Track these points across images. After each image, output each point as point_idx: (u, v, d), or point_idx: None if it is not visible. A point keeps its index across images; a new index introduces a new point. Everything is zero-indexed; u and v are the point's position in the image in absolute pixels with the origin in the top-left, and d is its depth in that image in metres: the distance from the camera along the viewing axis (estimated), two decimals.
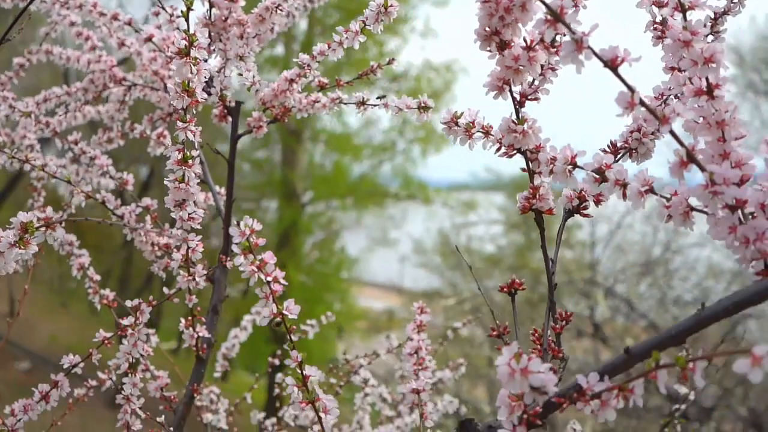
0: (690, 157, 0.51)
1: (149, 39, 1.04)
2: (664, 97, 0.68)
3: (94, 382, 1.12)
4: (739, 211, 0.52)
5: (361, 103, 0.95)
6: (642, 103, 0.50)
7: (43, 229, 0.66)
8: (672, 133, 0.51)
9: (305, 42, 9.08)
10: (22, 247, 0.67)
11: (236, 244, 0.61)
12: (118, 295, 1.03)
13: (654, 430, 6.01)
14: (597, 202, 0.67)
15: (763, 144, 0.52)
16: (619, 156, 0.68)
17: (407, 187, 11.74)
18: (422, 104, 0.83)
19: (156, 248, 1.01)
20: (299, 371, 0.64)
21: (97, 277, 1.09)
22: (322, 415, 0.64)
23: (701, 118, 0.53)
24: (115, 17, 1.09)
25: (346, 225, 12.29)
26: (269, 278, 0.62)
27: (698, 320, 0.49)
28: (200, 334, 0.96)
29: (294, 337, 0.64)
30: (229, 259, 0.95)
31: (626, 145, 0.68)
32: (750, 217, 0.51)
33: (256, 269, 0.61)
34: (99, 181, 1.20)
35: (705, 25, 0.69)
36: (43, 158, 1.21)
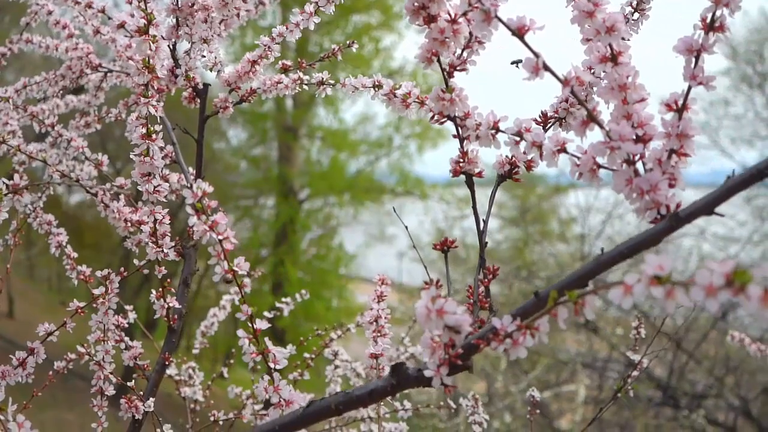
0: (591, 117, 0.56)
1: (122, 26, 1.09)
2: (592, 69, 0.73)
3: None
4: (641, 166, 0.58)
5: (321, 83, 1.00)
6: (545, 67, 0.55)
7: (10, 195, 0.71)
8: (574, 94, 0.56)
9: (299, 41, 9.12)
10: None
11: (189, 205, 0.66)
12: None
13: (644, 421, 6.08)
14: (528, 168, 0.72)
15: (660, 105, 0.57)
16: (549, 125, 0.73)
17: (404, 183, 11.79)
18: (376, 83, 0.88)
19: (129, 224, 1.06)
20: (250, 324, 0.69)
21: (74, 255, 1.14)
22: (271, 365, 0.69)
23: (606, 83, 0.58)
24: (89, 5, 1.14)
25: (344, 221, 12.33)
26: (221, 237, 0.67)
27: (598, 263, 0.54)
28: (171, 305, 1.01)
29: (244, 292, 0.69)
30: None
31: (556, 115, 0.73)
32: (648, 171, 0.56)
33: (208, 228, 0.66)
34: (82, 168, 1.25)
35: (630, 4, 0.74)
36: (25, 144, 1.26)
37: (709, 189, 0.52)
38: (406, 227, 0.95)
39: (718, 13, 0.56)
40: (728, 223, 7.70)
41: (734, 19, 0.58)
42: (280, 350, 0.70)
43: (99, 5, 1.15)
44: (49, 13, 1.25)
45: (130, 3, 1.13)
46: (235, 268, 0.68)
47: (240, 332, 0.70)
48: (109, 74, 1.24)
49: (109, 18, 1.15)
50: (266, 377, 0.69)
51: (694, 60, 0.56)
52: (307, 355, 1.29)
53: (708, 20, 0.56)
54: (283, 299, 1.44)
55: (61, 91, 1.24)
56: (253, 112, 11.32)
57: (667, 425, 6.04)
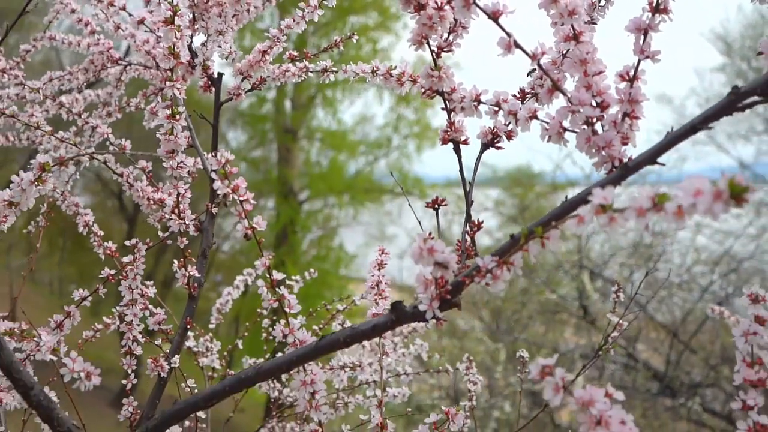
0: (555, 86, 0.66)
1: (141, 21, 1.20)
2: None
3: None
4: (599, 127, 0.68)
5: (325, 70, 1.10)
6: (516, 44, 0.65)
7: (57, 166, 0.81)
8: (540, 67, 0.66)
9: (298, 39, 9.22)
10: (40, 183, 0.82)
11: (214, 171, 0.76)
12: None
13: (642, 408, 6.18)
14: (509, 137, 0.82)
15: (615, 76, 0.68)
16: (526, 99, 0.84)
17: (403, 183, 11.89)
18: (375, 69, 0.98)
19: (151, 202, 1.16)
20: (268, 276, 0.80)
21: (101, 233, 1.24)
22: (287, 309, 0.79)
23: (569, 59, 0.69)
24: (111, 3, 1.25)
25: (343, 222, 12.43)
26: (242, 198, 0.77)
27: (563, 208, 0.65)
28: (191, 274, 1.12)
29: (261, 247, 0.79)
30: (214, 206, 1.11)
31: (532, 91, 0.83)
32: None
33: (230, 191, 0.77)
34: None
35: None
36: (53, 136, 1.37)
37: None
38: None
39: None
40: (722, 216, 7.78)
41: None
42: (293, 297, 0.81)
43: (120, 3, 1.25)
44: (73, 11, 1.35)
45: (148, 2, 1.23)
46: (255, 225, 0.79)
47: (259, 282, 0.80)
48: (128, 67, 1.35)
49: (130, 15, 1.25)
50: (282, 321, 0.80)
51: (642, 37, 0.67)
52: (315, 327, 1.40)
53: (654, 4, 0.67)
54: (293, 277, 1.55)
55: (84, 84, 1.35)
56: (252, 114, 11.42)
57: (665, 415, 6.14)
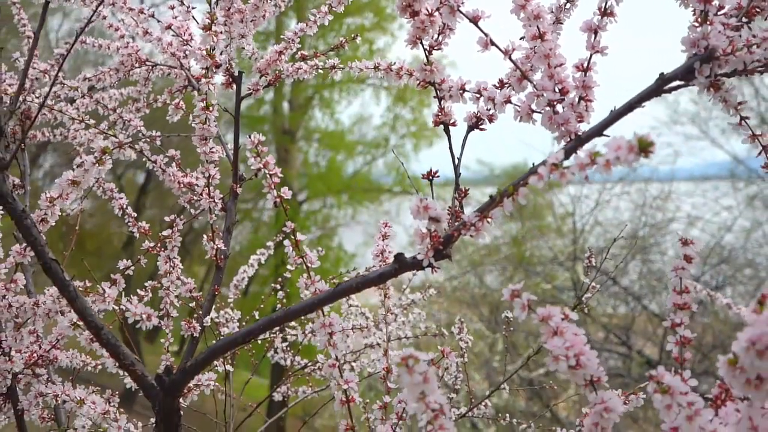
0: (523, 75, 0.83)
1: (169, 27, 1.36)
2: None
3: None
4: (560, 108, 0.85)
5: (333, 67, 1.27)
6: (492, 42, 0.82)
7: (117, 149, 0.98)
8: (511, 60, 0.83)
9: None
10: (100, 164, 0.99)
11: (248, 150, 0.93)
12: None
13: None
14: (490, 120, 0.99)
15: (572, 67, 0.84)
16: (505, 88, 1.00)
17: (401, 182, 12.05)
18: (377, 65, 1.15)
19: (181, 185, 1.33)
20: (293, 236, 0.96)
21: (134, 214, 1.41)
22: (308, 264, 0.96)
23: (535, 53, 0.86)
24: (141, 11, 1.41)
25: (342, 222, 12.59)
26: (271, 173, 0.94)
27: (530, 171, 0.81)
28: (218, 247, 1.28)
29: (286, 212, 0.96)
30: (239, 187, 1.27)
31: (509, 81, 1.00)
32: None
33: (262, 166, 0.94)
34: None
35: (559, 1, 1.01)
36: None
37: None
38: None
39: (609, 3, 0.83)
40: (714, 208, 7.98)
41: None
42: (314, 255, 0.97)
43: (149, 11, 1.42)
44: (104, 18, 1.52)
45: (172, 8, 1.40)
46: (282, 194, 0.95)
47: (286, 242, 0.97)
48: (154, 67, 1.51)
49: (158, 21, 1.42)
50: (304, 275, 0.96)
51: (593, 35, 0.84)
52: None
53: (602, 9, 0.84)
54: (288, 267, 1.71)
55: (115, 83, 1.51)
56: (250, 116, 11.57)
57: None
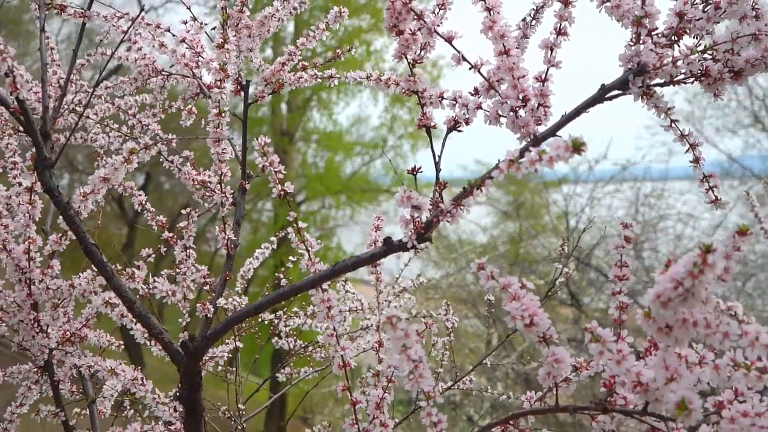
0: (490, 86, 0.99)
1: (183, 40, 1.52)
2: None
3: None
4: (522, 113, 1.00)
5: (331, 77, 1.42)
6: (464, 58, 0.98)
7: (143, 150, 1.13)
8: (480, 73, 0.98)
9: (293, 43, 9.55)
10: (128, 163, 1.14)
11: (256, 150, 1.08)
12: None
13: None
14: (467, 123, 1.14)
15: (533, 78, 1.00)
16: (479, 96, 1.16)
17: (399, 182, 12.17)
18: (369, 75, 1.30)
19: (194, 182, 1.48)
20: (295, 225, 1.12)
21: (153, 210, 1.56)
22: (309, 248, 1.11)
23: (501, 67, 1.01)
24: (158, 26, 1.56)
25: (341, 222, 12.73)
26: (276, 169, 1.09)
27: (496, 165, 0.97)
28: (229, 237, 1.44)
29: (292, 203, 1.11)
30: (247, 183, 1.42)
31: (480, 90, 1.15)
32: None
33: (267, 164, 1.09)
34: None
35: (525, 19, 1.17)
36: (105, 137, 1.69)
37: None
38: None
39: (563, 24, 0.99)
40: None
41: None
42: (315, 239, 1.13)
43: (165, 26, 1.57)
44: (123, 32, 1.67)
45: (185, 23, 1.55)
46: (285, 188, 1.11)
47: (289, 229, 1.12)
48: (169, 77, 1.67)
49: (173, 35, 1.57)
50: (305, 255, 1.12)
51: (549, 51, 0.99)
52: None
53: (558, 28, 0.99)
54: (291, 258, 1.87)
55: (134, 90, 1.67)
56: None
57: None
